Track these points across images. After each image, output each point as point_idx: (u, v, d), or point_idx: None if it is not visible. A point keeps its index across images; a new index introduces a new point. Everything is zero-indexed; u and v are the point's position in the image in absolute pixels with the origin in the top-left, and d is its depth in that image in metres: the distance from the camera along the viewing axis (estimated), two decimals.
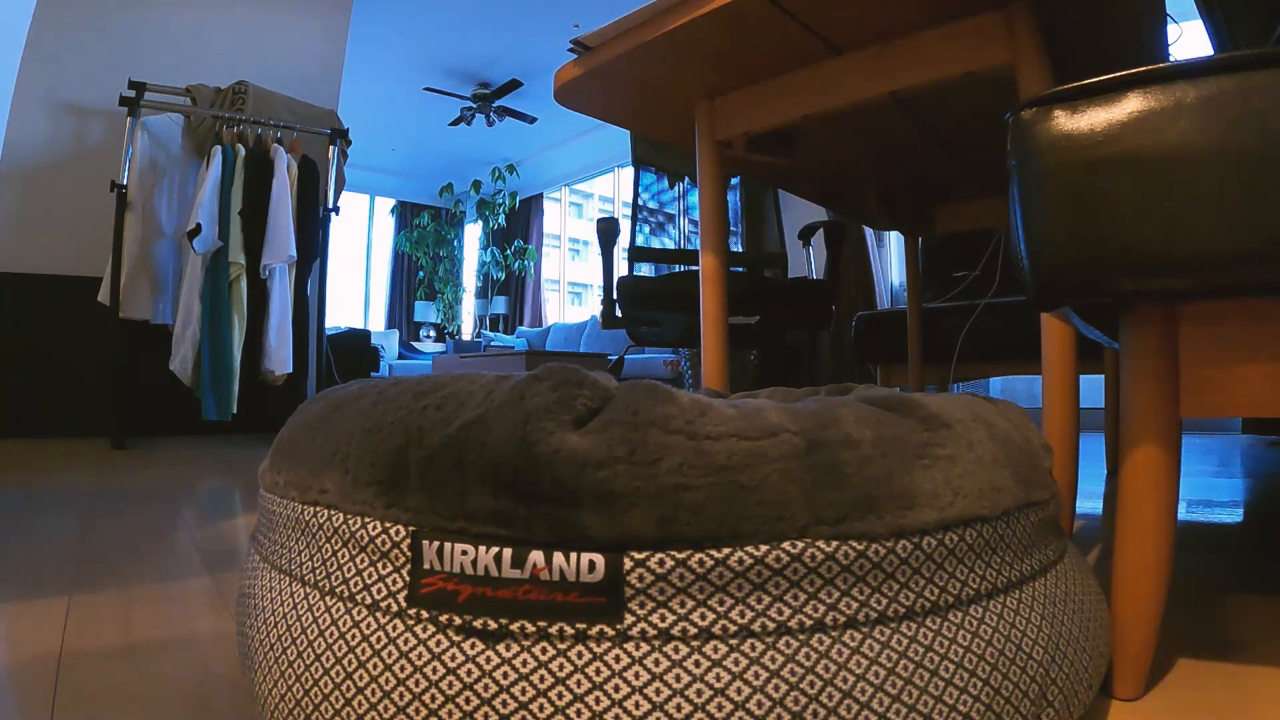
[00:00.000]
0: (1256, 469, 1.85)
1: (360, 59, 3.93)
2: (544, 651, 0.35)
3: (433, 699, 0.35)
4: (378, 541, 0.39)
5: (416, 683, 0.35)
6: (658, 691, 0.34)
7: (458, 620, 0.36)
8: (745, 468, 0.37)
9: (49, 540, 1.02)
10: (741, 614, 0.35)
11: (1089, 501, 1.33)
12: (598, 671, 0.34)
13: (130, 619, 0.69)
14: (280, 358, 2.46)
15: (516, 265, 7.01)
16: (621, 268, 2.12)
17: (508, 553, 0.36)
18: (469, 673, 0.35)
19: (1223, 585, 0.82)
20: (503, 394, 0.40)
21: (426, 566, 0.37)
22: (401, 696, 0.35)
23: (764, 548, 0.36)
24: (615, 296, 1.87)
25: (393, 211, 7.54)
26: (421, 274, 7.45)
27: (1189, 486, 1.54)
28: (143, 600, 0.75)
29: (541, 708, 0.34)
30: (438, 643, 0.36)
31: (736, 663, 0.34)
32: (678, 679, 0.34)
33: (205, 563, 0.89)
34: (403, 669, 0.36)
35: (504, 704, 0.34)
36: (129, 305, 2.37)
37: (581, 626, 0.35)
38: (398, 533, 0.39)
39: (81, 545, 0.98)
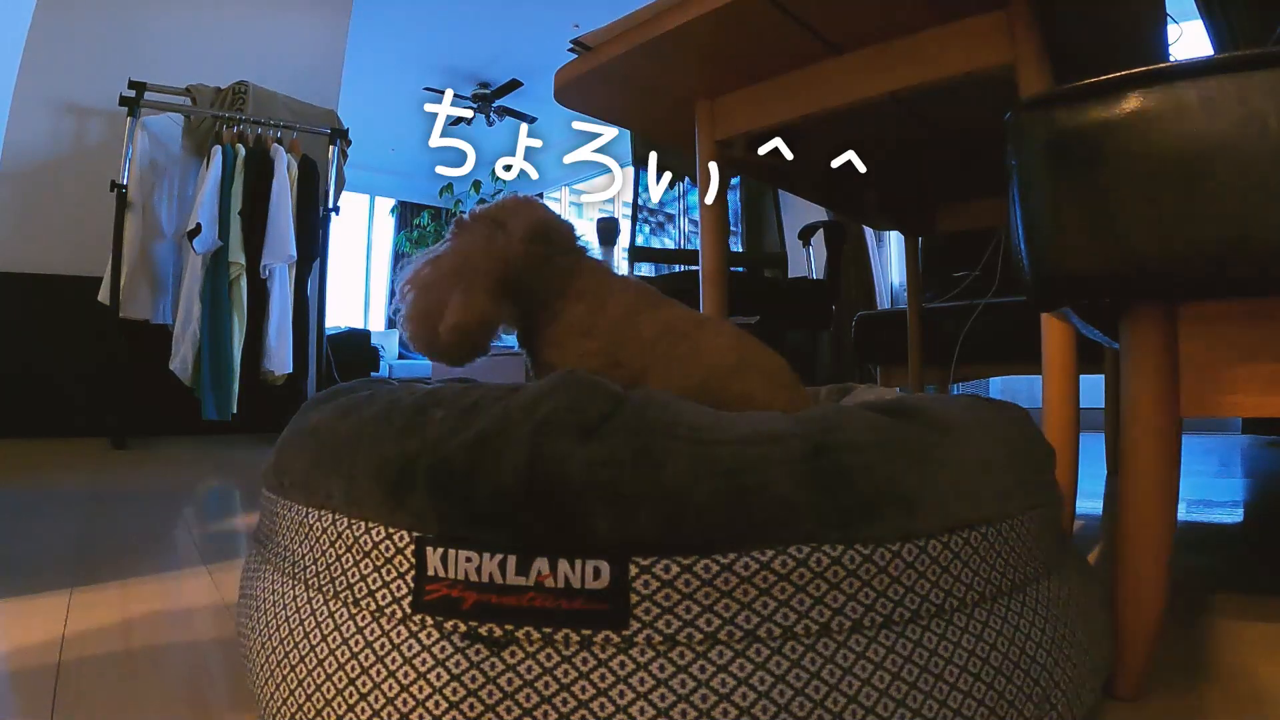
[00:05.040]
0: (1256, 469, 1.85)
1: (360, 59, 3.92)
2: (549, 658, 0.35)
3: (436, 704, 0.35)
4: (382, 547, 0.39)
5: (420, 688, 0.35)
6: (663, 697, 0.34)
7: (463, 626, 0.36)
8: (750, 472, 0.36)
9: (49, 539, 1.02)
10: (747, 619, 0.35)
11: (1089, 501, 1.33)
12: (603, 677, 0.34)
13: (130, 617, 0.69)
14: (280, 358, 2.46)
15: None
16: (622, 268, 2.12)
17: (512, 560, 0.36)
18: (473, 679, 0.35)
19: (1223, 585, 0.82)
20: (517, 404, 0.40)
21: (431, 573, 0.37)
22: (405, 702, 0.35)
23: (770, 552, 0.35)
24: None
25: (393, 211, 7.53)
26: None
27: (1189, 486, 1.54)
28: (143, 598, 0.75)
29: (546, 714, 0.34)
30: (442, 649, 0.36)
31: (742, 668, 0.34)
32: (683, 684, 0.34)
33: (205, 561, 0.89)
34: (406, 674, 0.36)
35: (508, 710, 0.34)
36: (129, 305, 2.37)
37: (587, 633, 0.35)
38: (402, 539, 0.39)
39: (81, 544, 0.98)
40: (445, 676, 0.35)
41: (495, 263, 0.58)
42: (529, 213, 0.61)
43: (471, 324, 0.57)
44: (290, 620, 0.42)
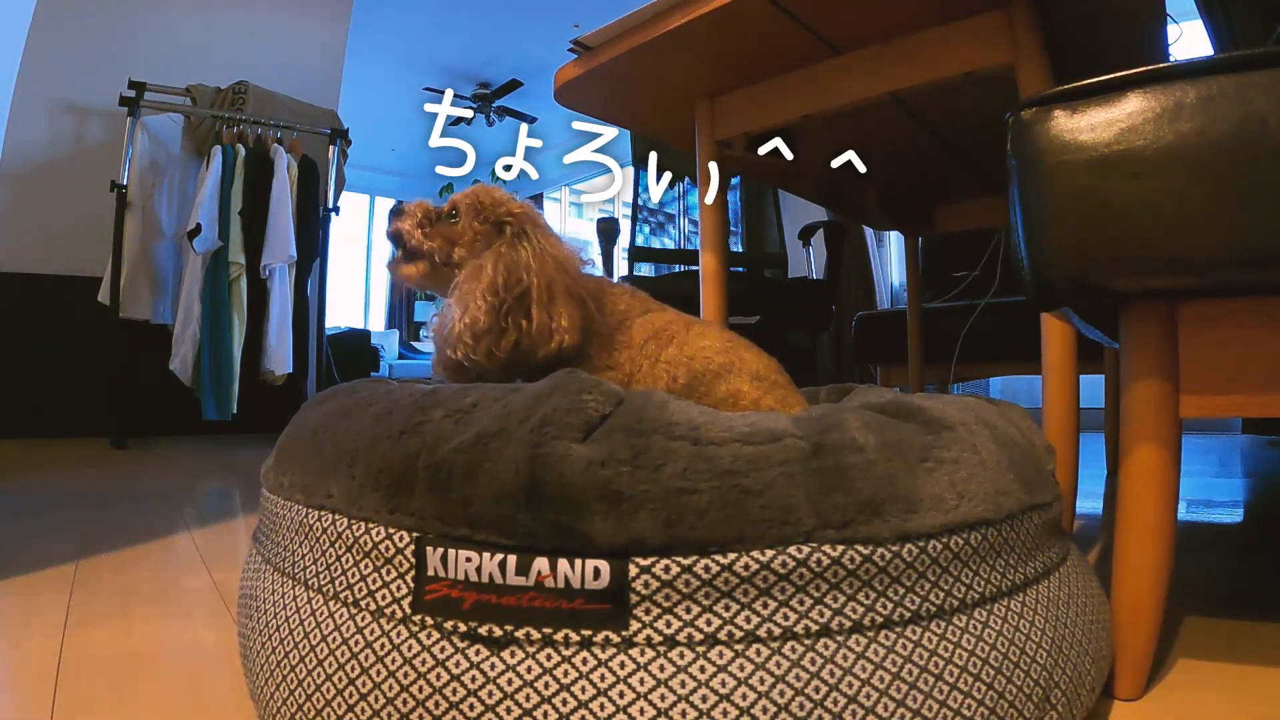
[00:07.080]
0: (1256, 469, 1.85)
1: (360, 59, 3.92)
2: (549, 658, 0.35)
3: (436, 705, 0.35)
4: (382, 548, 0.39)
5: (420, 689, 0.35)
6: (663, 697, 0.34)
7: (462, 627, 0.36)
8: (749, 472, 0.36)
9: (49, 539, 1.02)
10: (747, 619, 0.35)
11: (1089, 501, 1.33)
12: (603, 678, 0.34)
13: (130, 618, 0.69)
14: (280, 358, 2.45)
15: None
16: (621, 268, 2.12)
17: (512, 560, 0.36)
18: (473, 679, 0.35)
19: (1223, 585, 0.82)
20: (516, 404, 0.40)
21: (430, 573, 0.37)
22: (405, 702, 0.35)
23: (770, 552, 0.35)
24: None
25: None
26: None
27: (1189, 486, 1.54)
28: (143, 599, 0.75)
29: (546, 714, 0.34)
30: (442, 649, 0.36)
31: (742, 668, 0.34)
32: (683, 684, 0.34)
33: (205, 562, 0.89)
34: (406, 675, 0.36)
35: (508, 710, 0.34)
36: (129, 305, 2.36)
37: (587, 633, 0.35)
38: (402, 539, 0.39)
39: (82, 544, 0.98)
40: (445, 677, 0.35)
41: (571, 274, 0.61)
42: (538, 217, 0.63)
43: (576, 338, 0.59)
44: (290, 620, 0.42)
